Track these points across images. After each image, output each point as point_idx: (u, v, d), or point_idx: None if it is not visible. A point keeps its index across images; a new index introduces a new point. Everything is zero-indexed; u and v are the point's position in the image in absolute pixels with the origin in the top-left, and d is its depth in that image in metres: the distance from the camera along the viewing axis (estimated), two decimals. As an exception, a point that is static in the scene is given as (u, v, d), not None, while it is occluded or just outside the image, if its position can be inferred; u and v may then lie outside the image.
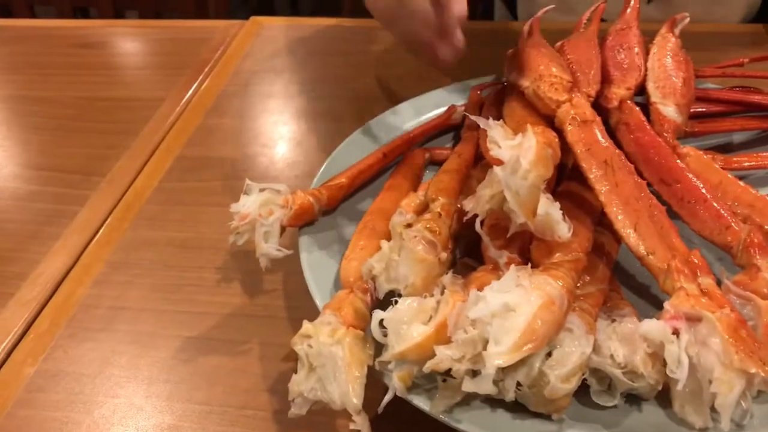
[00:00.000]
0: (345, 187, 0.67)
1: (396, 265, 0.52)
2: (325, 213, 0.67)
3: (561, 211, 0.49)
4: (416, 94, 0.84)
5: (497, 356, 0.43)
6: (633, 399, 0.51)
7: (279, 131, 0.93)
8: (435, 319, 0.48)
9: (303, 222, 0.65)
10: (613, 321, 0.52)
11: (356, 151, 0.74)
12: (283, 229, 0.63)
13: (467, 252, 0.59)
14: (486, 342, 0.44)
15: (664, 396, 0.50)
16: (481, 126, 0.52)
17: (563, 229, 0.48)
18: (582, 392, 0.50)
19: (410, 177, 0.70)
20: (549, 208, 0.48)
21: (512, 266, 0.48)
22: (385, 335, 0.49)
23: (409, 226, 0.53)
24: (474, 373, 0.46)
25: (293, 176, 0.85)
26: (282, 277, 0.71)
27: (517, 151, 0.49)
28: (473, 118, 0.52)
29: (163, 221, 0.80)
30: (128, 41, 1.22)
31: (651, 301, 0.60)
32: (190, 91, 1.03)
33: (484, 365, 0.43)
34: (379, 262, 0.52)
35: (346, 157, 0.73)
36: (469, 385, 0.44)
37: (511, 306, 0.44)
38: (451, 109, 0.80)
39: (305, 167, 0.86)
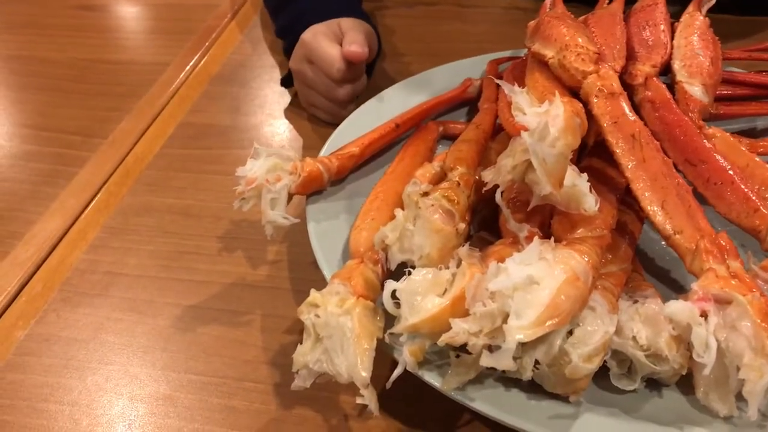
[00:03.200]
0: (356, 157, 0.64)
1: (411, 235, 0.49)
2: (334, 183, 0.64)
3: (588, 183, 0.46)
4: (430, 67, 0.81)
5: (518, 330, 0.41)
6: (653, 384, 0.48)
7: (286, 101, 0.90)
8: (451, 292, 0.46)
9: (311, 190, 0.62)
10: (636, 302, 0.49)
11: (366, 123, 0.71)
12: (290, 196, 0.60)
13: (483, 226, 0.57)
14: (506, 316, 0.42)
15: (685, 382, 0.48)
16: (506, 92, 0.50)
17: (590, 202, 0.46)
18: (600, 375, 0.47)
19: (423, 149, 0.67)
20: (576, 180, 0.46)
21: (535, 239, 0.45)
22: (398, 307, 0.46)
23: (425, 194, 0.50)
24: (491, 349, 0.43)
25: (299, 147, 0.83)
26: (286, 248, 0.68)
27: (545, 118, 0.46)
28: (499, 82, 0.49)
29: (164, 188, 0.77)
30: (133, 4, 1.19)
31: (671, 285, 0.58)
32: (195, 57, 1.00)
33: (503, 340, 0.41)
34: (393, 231, 0.50)
35: (355, 129, 0.70)
36: (487, 360, 0.41)
37: (535, 279, 0.42)
38: (467, 82, 0.77)
39: (311, 139, 0.83)
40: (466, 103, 0.78)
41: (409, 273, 0.47)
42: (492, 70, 0.77)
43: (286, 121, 0.87)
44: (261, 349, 0.59)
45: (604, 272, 0.50)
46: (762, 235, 0.54)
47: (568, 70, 0.56)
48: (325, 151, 0.67)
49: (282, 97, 0.91)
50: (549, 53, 0.59)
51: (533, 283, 0.42)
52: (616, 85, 0.55)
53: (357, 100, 0.80)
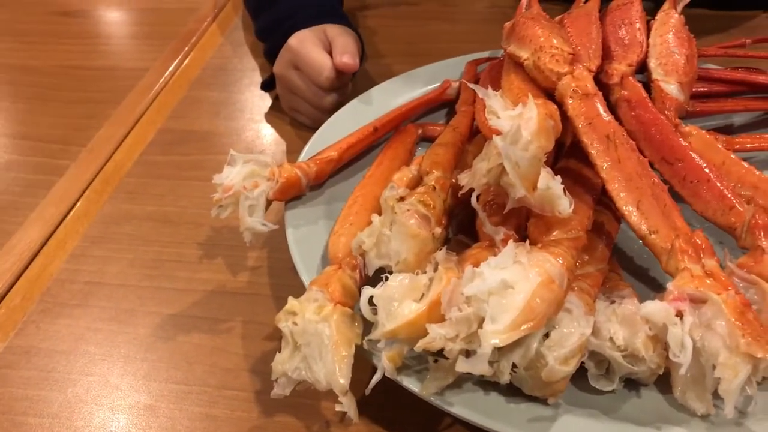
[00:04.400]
0: (334, 161, 0.64)
1: (387, 240, 0.49)
2: (313, 188, 0.64)
3: (562, 186, 0.46)
4: (412, 68, 0.81)
5: (494, 335, 0.41)
6: (631, 384, 0.49)
7: (266, 105, 0.90)
8: (428, 297, 0.46)
9: (290, 196, 0.62)
10: (613, 302, 0.49)
11: (346, 125, 0.71)
12: (268, 202, 0.60)
13: (461, 229, 0.57)
14: (481, 320, 0.42)
15: (663, 381, 0.48)
16: (479, 95, 0.50)
17: (564, 204, 0.46)
18: (578, 376, 0.47)
19: (402, 152, 0.67)
20: (550, 182, 0.46)
21: (510, 242, 0.45)
22: (375, 313, 0.46)
23: (401, 199, 0.50)
24: (468, 354, 0.43)
25: (280, 151, 0.83)
26: (266, 254, 0.68)
27: (518, 121, 0.46)
28: (472, 86, 0.49)
29: (143, 195, 0.77)
30: (112, 9, 1.18)
31: (650, 284, 0.58)
32: (175, 62, 0.99)
33: (479, 345, 0.41)
34: (370, 237, 0.50)
35: (335, 132, 0.70)
36: (463, 366, 0.42)
37: (509, 283, 0.42)
38: (446, 83, 0.77)
39: (294, 143, 0.83)
40: (446, 104, 0.78)
41: (386, 279, 0.47)
42: (470, 72, 0.77)
43: (268, 125, 0.87)
44: (242, 357, 0.59)
45: (581, 273, 0.50)
46: (738, 233, 0.54)
47: (543, 71, 0.56)
48: (304, 156, 0.67)
49: (263, 101, 0.91)
50: (524, 55, 0.59)
51: (508, 288, 0.42)
52: (591, 85, 0.56)
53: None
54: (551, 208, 0.47)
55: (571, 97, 0.55)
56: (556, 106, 0.52)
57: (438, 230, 0.49)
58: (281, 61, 0.80)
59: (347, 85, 0.80)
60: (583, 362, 0.47)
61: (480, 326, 0.42)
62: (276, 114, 0.88)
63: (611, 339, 0.47)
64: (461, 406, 0.46)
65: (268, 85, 0.87)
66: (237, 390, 0.56)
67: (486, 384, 0.47)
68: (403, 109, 0.72)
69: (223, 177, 0.59)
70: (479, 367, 0.41)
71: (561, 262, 0.45)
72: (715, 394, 0.44)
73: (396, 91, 0.77)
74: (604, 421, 0.46)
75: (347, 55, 0.75)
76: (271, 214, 0.62)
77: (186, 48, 1.03)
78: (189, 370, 0.58)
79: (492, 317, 0.41)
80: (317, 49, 0.76)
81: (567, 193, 0.47)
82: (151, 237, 0.71)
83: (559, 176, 0.47)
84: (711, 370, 0.44)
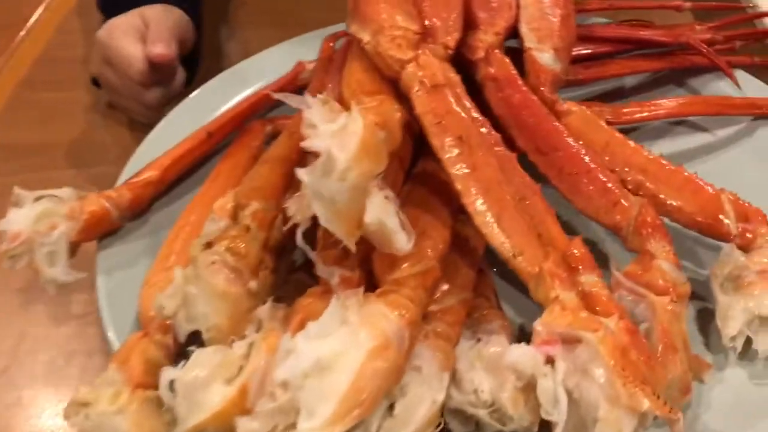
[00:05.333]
0: (155, 183, 0.53)
1: (194, 301, 0.39)
2: (134, 217, 0.53)
3: (398, 217, 0.37)
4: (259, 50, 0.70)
5: (312, 433, 0.32)
6: (508, 436, 0.41)
7: (103, 111, 0.77)
8: (243, 375, 0.36)
9: (100, 233, 0.51)
10: (479, 340, 0.41)
11: (183, 128, 0.60)
12: (74, 244, 0.50)
13: (305, 262, 0.47)
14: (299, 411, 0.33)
15: (545, 429, 0.40)
16: (293, 105, 0.40)
17: (401, 241, 0.37)
18: (445, 434, 0.40)
19: (244, 159, 0.57)
20: (382, 215, 0.37)
21: (335, 297, 0.36)
22: (183, 398, 0.37)
23: (208, 245, 0.40)
24: (293, 446, 0.34)
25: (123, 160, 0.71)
26: (96, 297, 0.57)
27: (339, 138, 0.37)
28: (279, 96, 0.39)
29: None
30: None
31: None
32: (-1, 58, 0.85)
33: (301, 441, 0.32)
34: (173, 298, 0.40)
35: (169, 138, 0.59)
36: (274, 480, 0.33)
37: (328, 363, 0.33)
38: (299, 66, 0.66)
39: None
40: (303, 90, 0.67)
41: (193, 351, 0.38)
42: (326, 50, 0.67)
43: (109, 128, 0.74)
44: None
45: (439, 309, 0.42)
46: (624, 233, 0.47)
47: (384, 59, 0.47)
48: (125, 176, 0.56)
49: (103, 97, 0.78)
50: (365, 37, 0.49)
51: (325, 368, 0.33)
52: (440, 73, 0.46)
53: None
54: (387, 246, 0.37)
55: (417, 89, 0.45)
56: (396, 107, 0.43)
57: (254, 284, 0.40)
58: (95, 58, 0.69)
59: (174, 77, 0.68)
60: (446, 423, 0.39)
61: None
62: (119, 118, 0.75)
63: (475, 392, 0.39)
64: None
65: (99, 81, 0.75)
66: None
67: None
68: (245, 104, 0.61)
69: (9, 222, 0.48)
70: (296, 479, 0.32)
71: (400, 314, 0.36)
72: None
73: (241, 81, 0.66)
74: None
75: (160, 45, 0.63)
76: (86, 255, 0.52)
77: (11, 44, 0.88)
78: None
79: (308, 409, 0.32)
80: (127, 39, 0.64)
81: (407, 224, 0.38)
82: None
83: (393, 204, 0.38)
84: (593, 425, 0.36)
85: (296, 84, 0.66)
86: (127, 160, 0.67)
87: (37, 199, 0.49)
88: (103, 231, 0.51)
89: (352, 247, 0.36)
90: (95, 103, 0.77)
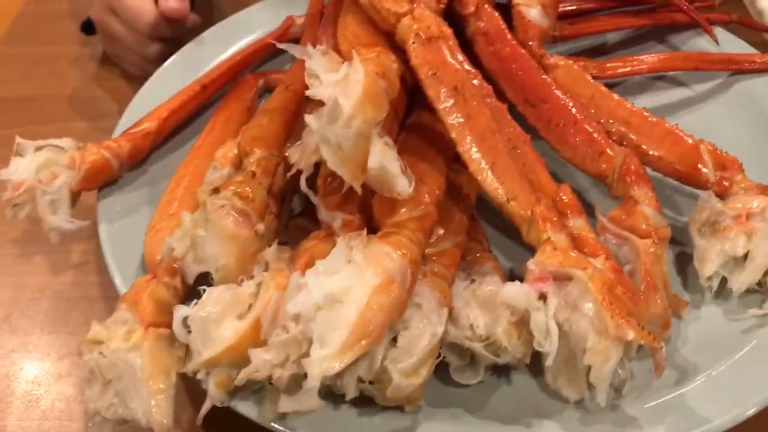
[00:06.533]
0: (153, 134, 0.54)
1: (203, 243, 0.41)
2: (132, 167, 0.54)
3: (399, 162, 0.39)
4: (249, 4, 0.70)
5: (324, 361, 0.34)
6: (501, 370, 0.44)
7: (97, 53, 0.76)
8: (253, 311, 0.38)
9: (100, 183, 0.52)
10: (473, 281, 0.44)
11: (176, 81, 0.61)
12: (75, 194, 0.50)
13: (303, 209, 0.49)
14: (311, 341, 0.35)
15: (537, 361, 0.43)
16: (297, 55, 0.41)
17: (403, 185, 0.39)
18: (443, 368, 0.42)
19: (238, 112, 0.58)
20: (384, 160, 0.38)
21: (341, 238, 0.38)
22: (194, 335, 0.39)
23: (216, 191, 0.41)
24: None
25: (114, 113, 0.71)
26: (94, 246, 0.58)
27: (342, 87, 0.38)
28: (282, 46, 0.40)
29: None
30: None
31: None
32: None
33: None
34: (181, 241, 0.41)
35: (162, 91, 0.60)
36: (287, 404, 0.35)
37: (338, 295, 0.35)
38: (288, 21, 0.67)
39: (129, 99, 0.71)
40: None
41: (204, 290, 0.39)
42: (315, 5, 0.67)
43: (97, 81, 0.74)
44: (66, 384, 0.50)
45: (435, 251, 0.44)
46: (609, 181, 0.49)
47: (380, 11, 0.48)
48: (121, 127, 0.56)
49: (93, 48, 0.77)
50: (360, -10, 0.50)
51: (336, 301, 0.34)
52: (435, 26, 0.47)
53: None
54: (389, 189, 0.39)
55: (413, 41, 0.47)
56: (394, 59, 0.44)
57: (261, 226, 0.41)
58: (97, 4, 0.68)
59: (180, 32, 0.68)
60: (444, 356, 0.42)
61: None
62: (106, 66, 0.75)
63: (471, 327, 0.41)
64: (307, 428, 0.39)
65: (89, 27, 0.74)
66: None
67: (336, 396, 0.41)
68: (237, 58, 0.62)
69: (11, 171, 0.49)
70: (308, 403, 0.34)
71: (402, 254, 0.38)
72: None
73: (230, 36, 0.66)
74: (467, 423, 0.41)
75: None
76: (84, 206, 0.53)
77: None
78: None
79: (320, 339, 0.34)
80: None
81: (407, 169, 0.40)
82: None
83: (394, 150, 0.39)
84: (582, 354, 0.39)
85: (286, 38, 0.67)
86: (119, 113, 0.68)
87: (38, 148, 0.49)
88: (104, 181, 0.52)
89: (358, 190, 0.38)
90: (81, 57, 0.77)
